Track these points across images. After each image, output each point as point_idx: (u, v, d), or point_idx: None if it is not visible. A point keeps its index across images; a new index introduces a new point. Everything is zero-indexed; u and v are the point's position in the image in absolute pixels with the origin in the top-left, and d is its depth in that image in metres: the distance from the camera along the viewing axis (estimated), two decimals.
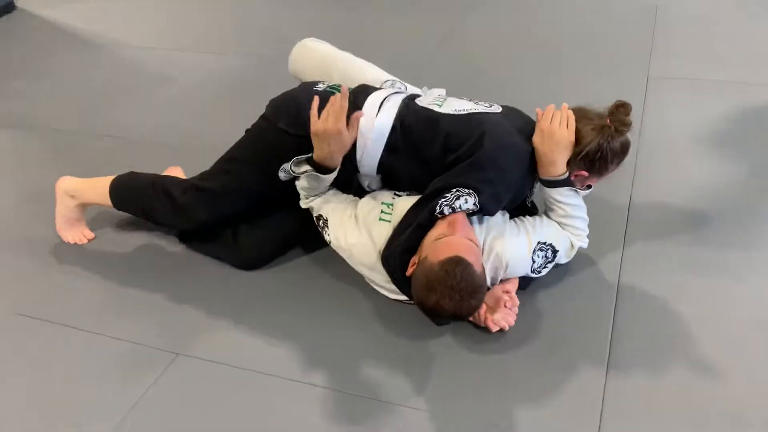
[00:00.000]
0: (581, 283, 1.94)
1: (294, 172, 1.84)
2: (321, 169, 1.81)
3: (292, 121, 1.88)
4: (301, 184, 1.90)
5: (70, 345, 1.82)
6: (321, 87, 1.96)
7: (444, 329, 1.81)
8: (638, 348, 1.74)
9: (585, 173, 1.84)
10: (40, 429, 1.61)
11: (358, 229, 1.87)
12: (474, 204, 1.75)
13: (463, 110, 1.90)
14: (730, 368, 1.67)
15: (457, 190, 1.75)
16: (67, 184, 2.12)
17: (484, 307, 1.78)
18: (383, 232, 1.83)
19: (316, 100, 1.78)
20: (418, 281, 1.66)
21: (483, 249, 1.80)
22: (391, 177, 1.92)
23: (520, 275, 1.85)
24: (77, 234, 2.16)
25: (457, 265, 1.61)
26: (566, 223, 1.88)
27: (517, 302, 1.80)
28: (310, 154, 1.81)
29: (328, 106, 1.74)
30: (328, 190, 1.95)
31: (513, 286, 1.83)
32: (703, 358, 1.70)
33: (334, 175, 1.85)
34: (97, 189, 2.10)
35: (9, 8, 4.15)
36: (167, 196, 1.99)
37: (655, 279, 1.94)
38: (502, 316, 1.77)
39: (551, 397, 1.64)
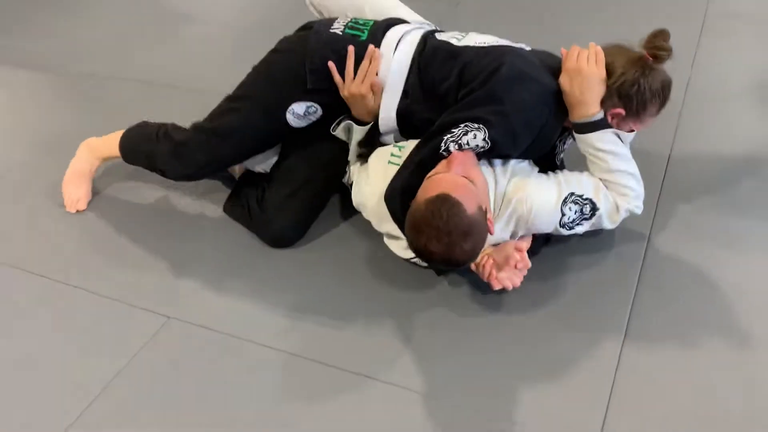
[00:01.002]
0: (606, 246, 1.78)
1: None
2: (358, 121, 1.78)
3: (307, 68, 1.76)
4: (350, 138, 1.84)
5: (63, 301, 1.79)
6: (339, 27, 1.80)
7: (454, 290, 1.71)
8: (660, 320, 1.59)
9: (622, 111, 1.63)
10: (24, 385, 1.59)
11: (368, 176, 1.78)
12: (484, 140, 1.59)
13: (485, 43, 1.73)
14: (755, 344, 1.52)
15: (465, 125, 1.60)
16: (90, 141, 2.09)
17: (490, 262, 1.64)
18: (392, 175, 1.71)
19: (351, 58, 1.71)
20: (408, 222, 1.54)
21: (504, 194, 1.65)
22: (410, 125, 1.78)
23: (544, 229, 1.69)
24: (80, 191, 2.08)
25: (442, 203, 1.47)
26: (610, 180, 1.66)
27: (528, 264, 1.63)
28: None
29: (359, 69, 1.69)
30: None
31: (526, 244, 1.68)
32: (729, 333, 1.55)
33: (367, 128, 1.78)
34: (112, 141, 2.05)
35: None
36: (168, 138, 1.92)
37: (685, 247, 1.76)
38: (508, 275, 1.62)
39: (562, 364, 1.53)
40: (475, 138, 1.59)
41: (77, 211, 2.06)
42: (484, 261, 1.64)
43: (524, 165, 1.73)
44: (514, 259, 1.61)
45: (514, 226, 1.66)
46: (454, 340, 1.61)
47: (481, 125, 1.59)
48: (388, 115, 1.77)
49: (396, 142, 1.82)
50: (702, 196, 1.91)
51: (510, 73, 1.62)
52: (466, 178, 1.54)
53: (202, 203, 2.06)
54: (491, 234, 1.57)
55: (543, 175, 1.71)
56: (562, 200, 1.63)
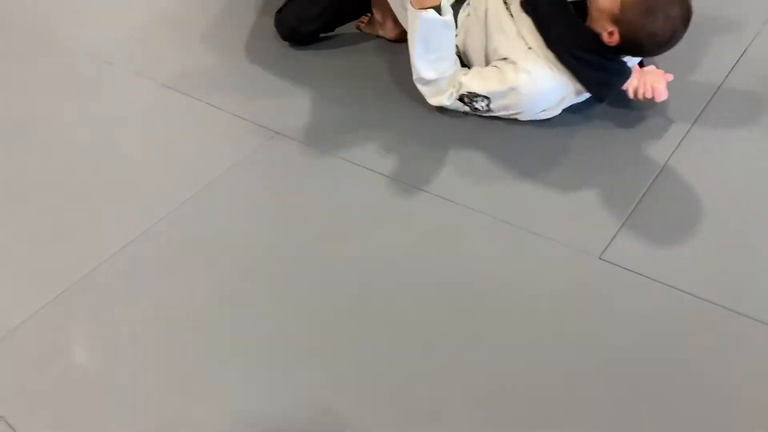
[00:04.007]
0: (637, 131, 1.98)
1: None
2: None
3: None
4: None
5: (179, 109, 2.16)
6: None
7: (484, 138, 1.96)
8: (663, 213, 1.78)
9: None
10: (128, 179, 1.96)
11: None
12: None
13: None
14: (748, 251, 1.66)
15: None
16: None
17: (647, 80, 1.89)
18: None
19: None
20: (635, 9, 1.71)
21: None
22: None
23: None
24: None
25: None
26: None
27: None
28: None
29: None
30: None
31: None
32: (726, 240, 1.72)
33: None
34: None
35: None
36: None
37: (711, 163, 1.89)
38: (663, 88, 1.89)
39: (565, 210, 1.77)
40: None
41: None
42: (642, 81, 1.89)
43: None
44: (665, 77, 1.89)
45: None
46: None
47: None
48: None
49: None
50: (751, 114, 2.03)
51: None
52: None
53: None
54: None
55: None
56: None
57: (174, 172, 1.98)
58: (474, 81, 1.93)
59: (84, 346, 1.58)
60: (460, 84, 1.93)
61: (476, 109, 1.98)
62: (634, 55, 1.93)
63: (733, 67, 2.18)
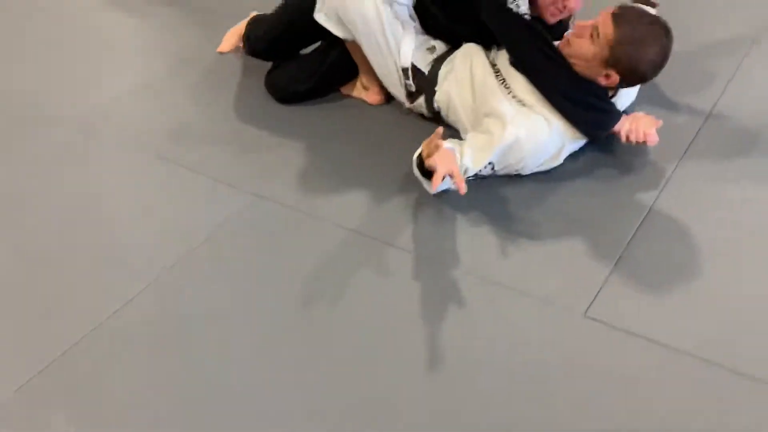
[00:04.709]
0: (622, 180, 2.00)
1: None
2: None
3: None
4: None
5: (162, 175, 2.16)
6: None
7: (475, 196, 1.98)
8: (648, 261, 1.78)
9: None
10: (112, 247, 1.97)
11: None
12: None
13: None
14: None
15: None
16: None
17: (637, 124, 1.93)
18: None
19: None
20: (627, 46, 1.81)
21: None
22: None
23: None
24: (233, 40, 2.51)
25: (637, 10, 1.87)
26: None
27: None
28: None
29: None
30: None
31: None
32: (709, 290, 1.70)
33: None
34: None
35: None
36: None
37: (696, 206, 1.91)
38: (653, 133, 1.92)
39: (551, 265, 1.78)
40: None
41: (220, 51, 2.53)
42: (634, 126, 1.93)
43: None
44: (655, 122, 1.93)
45: None
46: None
47: None
48: None
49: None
50: (731, 154, 2.05)
51: None
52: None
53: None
54: None
55: None
56: None
57: (157, 240, 1.97)
58: (476, 161, 1.89)
59: (66, 423, 1.56)
60: (466, 169, 1.86)
61: (482, 176, 1.97)
62: (633, 85, 2.02)
63: (711, 111, 2.19)
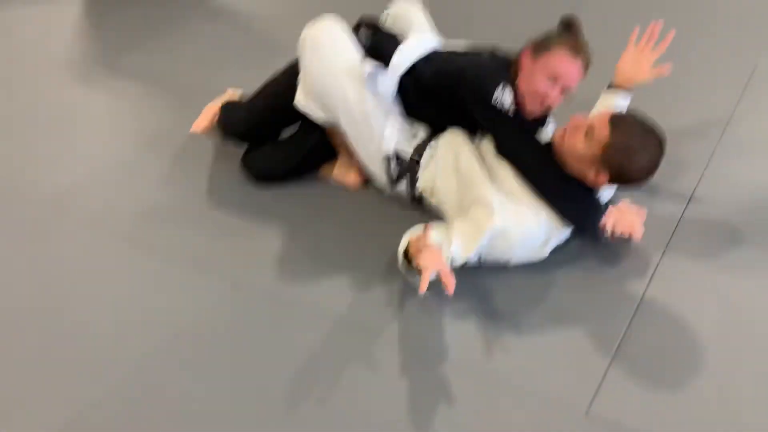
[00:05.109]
0: (610, 272, 1.98)
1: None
2: None
3: None
4: None
5: (135, 261, 2.07)
6: (364, 36, 2.13)
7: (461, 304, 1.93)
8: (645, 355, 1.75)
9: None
10: (83, 338, 1.86)
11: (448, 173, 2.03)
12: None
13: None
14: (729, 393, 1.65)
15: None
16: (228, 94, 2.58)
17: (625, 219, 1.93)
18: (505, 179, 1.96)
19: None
20: (620, 153, 1.81)
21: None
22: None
23: None
24: (208, 119, 2.48)
25: (627, 117, 1.85)
26: None
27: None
28: None
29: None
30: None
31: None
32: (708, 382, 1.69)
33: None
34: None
35: None
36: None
37: (686, 294, 1.90)
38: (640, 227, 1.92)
39: (546, 361, 1.73)
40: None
41: (194, 130, 2.49)
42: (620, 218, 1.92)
43: None
44: (641, 215, 1.92)
45: None
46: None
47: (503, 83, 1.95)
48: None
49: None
50: (714, 242, 2.06)
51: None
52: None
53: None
54: None
55: None
56: None
57: (126, 332, 1.86)
58: (465, 249, 1.84)
59: None
60: (453, 260, 1.82)
61: (468, 266, 1.92)
62: (620, 186, 2.01)
63: (690, 197, 2.20)
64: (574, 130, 1.87)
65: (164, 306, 1.93)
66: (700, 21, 3.15)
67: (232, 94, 2.56)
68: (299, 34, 2.15)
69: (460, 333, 1.81)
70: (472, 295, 1.90)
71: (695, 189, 2.23)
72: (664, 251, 2.01)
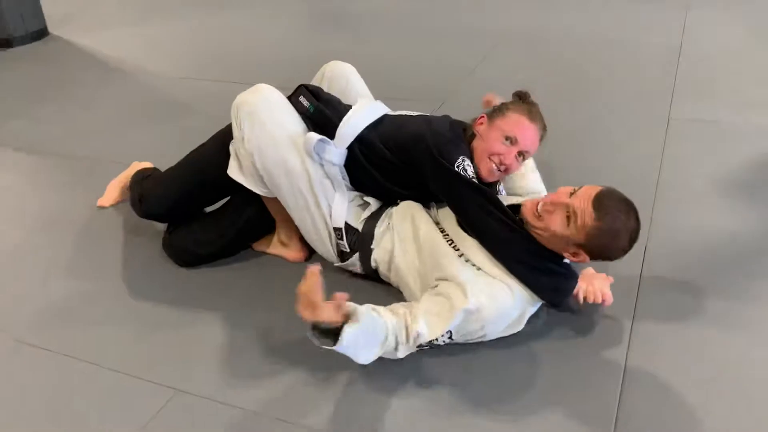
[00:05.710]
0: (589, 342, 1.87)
1: None
2: None
3: None
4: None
5: (66, 374, 1.77)
6: (306, 103, 1.96)
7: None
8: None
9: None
10: None
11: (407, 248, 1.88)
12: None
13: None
14: None
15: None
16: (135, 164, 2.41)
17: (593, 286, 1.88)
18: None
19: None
20: (605, 237, 1.71)
21: None
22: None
23: None
24: (114, 195, 2.34)
25: (606, 191, 1.74)
26: None
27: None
28: None
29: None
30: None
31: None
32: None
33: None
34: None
35: (42, 34, 4.49)
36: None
37: (665, 357, 1.81)
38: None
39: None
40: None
41: (100, 206, 2.34)
42: (591, 287, 1.87)
43: None
44: (608, 280, 1.90)
45: None
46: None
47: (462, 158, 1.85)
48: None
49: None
50: (679, 291, 2.01)
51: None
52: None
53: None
54: None
55: None
56: None
57: None
58: (433, 328, 1.70)
59: None
60: (418, 335, 1.68)
61: (437, 345, 1.75)
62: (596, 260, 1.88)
63: (644, 256, 2.14)
64: (552, 209, 1.75)
65: (96, 426, 1.60)
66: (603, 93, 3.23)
67: (138, 166, 2.29)
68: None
69: (438, 421, 1.61)
70: (444, 375, 1.73)
71: (646, 246, 2.19)
72: (634, 315, 1.92)
